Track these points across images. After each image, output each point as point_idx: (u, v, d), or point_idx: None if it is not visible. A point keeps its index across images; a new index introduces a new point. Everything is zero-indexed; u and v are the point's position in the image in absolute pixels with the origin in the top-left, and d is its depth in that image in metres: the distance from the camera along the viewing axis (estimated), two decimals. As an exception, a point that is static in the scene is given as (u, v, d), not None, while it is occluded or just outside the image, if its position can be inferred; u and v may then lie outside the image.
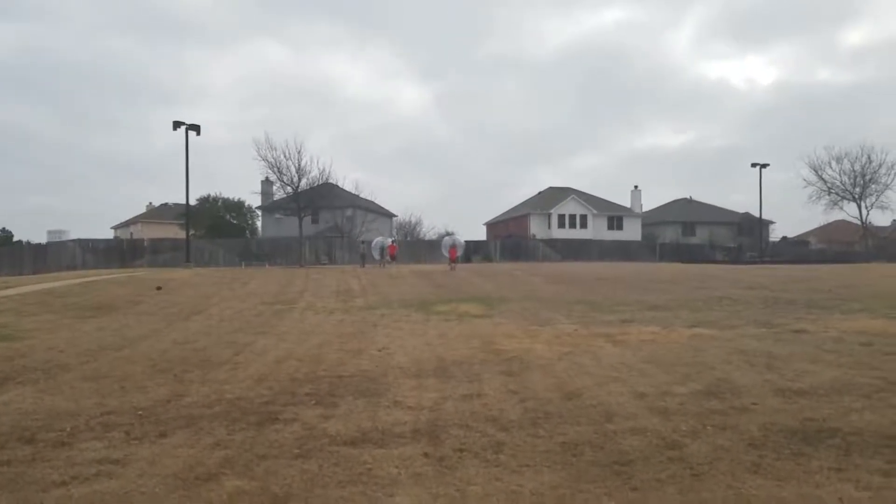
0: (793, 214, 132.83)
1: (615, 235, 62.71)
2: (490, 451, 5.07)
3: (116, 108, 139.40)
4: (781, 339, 10.77)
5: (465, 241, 48.90)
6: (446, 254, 46.09)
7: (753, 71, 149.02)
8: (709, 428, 5.63)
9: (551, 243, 57.13)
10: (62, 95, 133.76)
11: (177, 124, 38.61)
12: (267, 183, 54.54)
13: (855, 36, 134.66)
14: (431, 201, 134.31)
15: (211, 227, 52.31)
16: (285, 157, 48.02)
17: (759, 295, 19.12)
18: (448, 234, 63.41)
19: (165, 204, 74.01)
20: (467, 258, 47.08)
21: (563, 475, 4.54)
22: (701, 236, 67.45)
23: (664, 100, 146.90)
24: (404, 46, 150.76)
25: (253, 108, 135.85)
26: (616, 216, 65.28)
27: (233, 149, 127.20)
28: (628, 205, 67.47)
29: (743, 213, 69.37)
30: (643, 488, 4.28)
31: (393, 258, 43.30)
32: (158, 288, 21.77)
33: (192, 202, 47.10)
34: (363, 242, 46.87)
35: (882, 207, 63.65)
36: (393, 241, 48.01)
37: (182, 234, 45.06)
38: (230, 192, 76.81)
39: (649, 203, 75.58)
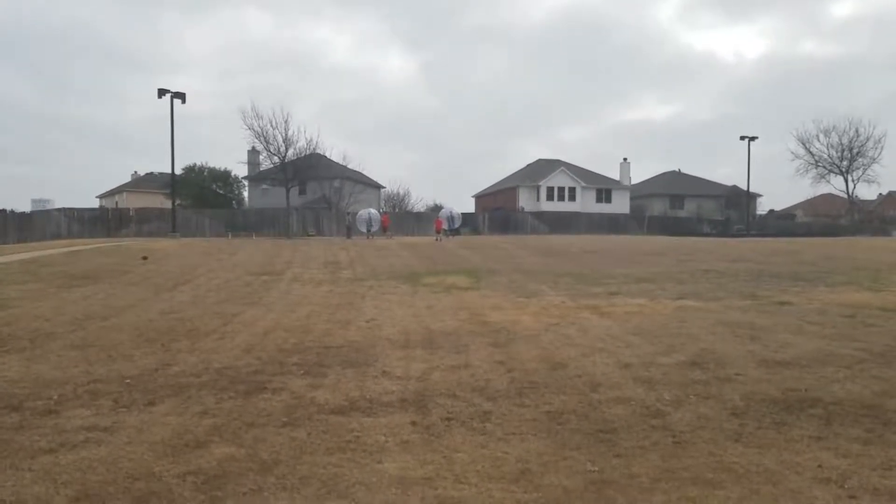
0: (779, 187, 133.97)
1: (604, 208, 62.85)
2: (477, 420, 5.13)
3: (96, 75, 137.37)
4: (765, 310, 10.90)
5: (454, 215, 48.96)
6: (445, 226, 46.35)
7: (740, 43, 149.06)
8: (692, 397, 5.72)
9: (540, 216, 57.20)
10: (39, 61, 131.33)
11: (161, 92, 38.08)
12: (253, 153, 54.07)
13: (841, 8, 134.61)
14: (419, 173, 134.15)
15: (197, 197, 51.86)
16: (272, 126, 47.68)
17: (745, 268, 19.30)
18: (437, 206, 63.43)
19: (151, 173, 73.15)
20: (456, 231, 47.08)
21: (548, 443, 4.61)
22: (689, 209, 67.75)
23: (651, 71, 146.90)
24: (388, 14, 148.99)
25: (236, 75, 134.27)
26: (605, 189, 65.34)
27: (218, 117, 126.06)
28: (617, 177, 67.52)
29: (731, 187, 69.64)
30: (626, 455, 4.35)
31: (385, 229, 43.39)
32: (144, 258, 21.64)
33: (178, 172, 46.63)
34: (349, 214, 46.75)
35: (868, 181, 64.17)
36: (385, 213, 48.02)
37: (168, 204, 44.68)
38: (215, 162, 76.23)
39: (638, 176, 75.68)
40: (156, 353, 7.80)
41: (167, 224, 41.28)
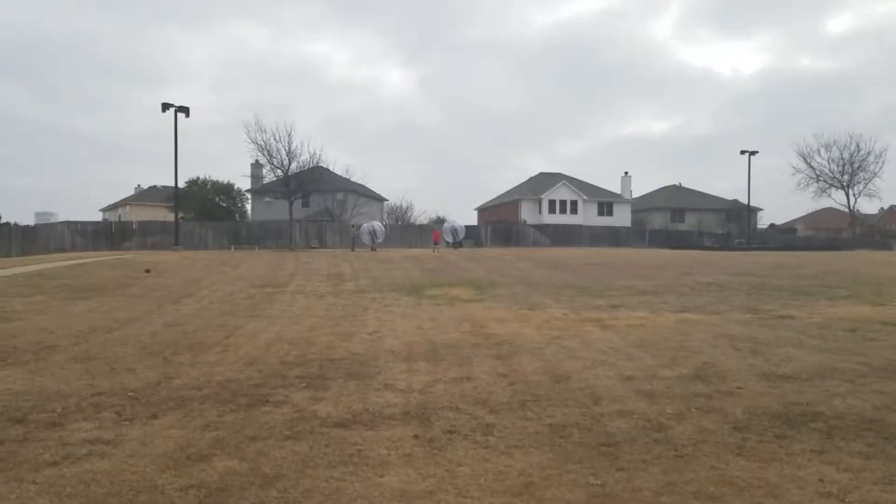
0: (780, 201, 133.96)
1: (605, 221, 62.89)
2: (479, 433, 5.13)
3: (100, 88, 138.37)
4: (767, 324, 10.88)
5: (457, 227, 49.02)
6: (448, 239, 46.37)
7: (737, 58, 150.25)
8: (694, 411, 5.71)
9: (542, 229, 57.26)
10: (43, 74, 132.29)
11: (165, 106, 38.34)
12: (257, 166, 54.34)
13: (837, 24, 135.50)
14: (422, 186, 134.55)
15: (200, 210, 51.94)
16: (275, 140, 47.99)
17: (746, 281, 19.28)
18: (440, 219, 63.57)
19: (154, 186, 73.39)
20: (458, 243, 47.11)
21: (550, 456, 4.61)
22: (690, 223, 67.77)
23: (649, 86, 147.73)
24: (387, 28, 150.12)
25: (239, 89, 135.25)
26: (606, 202, 65.42)
27: (221, 130, 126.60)
28: (618, 191, 67.61)
29: (731, 201, 69.73)
30: (629, 469, 4.35)
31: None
32: (147, 271, 21.69)
33: (182, 185, 46.81)
34: (353, 226, 46.85)
35: (870, 195, 64.39)
36: (385, 225, 48.21)
37: (171, 217, 44.80)
38: (219, 175, 75.75)
39: (639, 189, 75.84)
40: (158, 366, 7.81)
41: (170, 237, 41.38)
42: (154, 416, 5.63)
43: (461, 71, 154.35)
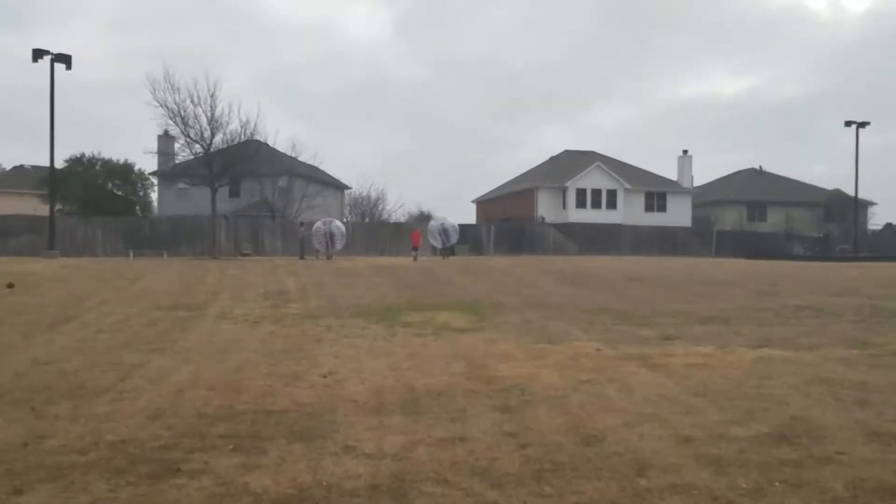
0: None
1: (655, 219, 63.10)
2: (477, 516, 5.13)
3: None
4: (880, 364, 10.95)
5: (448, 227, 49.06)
6: (436, 243, 46.33)
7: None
8: (777, 485, 5.73)
9: (566, 229, 57.43)
10: None
11: (38, 54, 38.18)
12: (167, 139, 53.98)
13: None
14: (399, 169, 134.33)
15: (86, 201, 51.78)
16: (192, 102, 47.52)
17: (852, 303, 19.39)
18: (424, 215, 63.54)
19: (20, 166, 73.22)
20: (450, 249, 47.10)
21: (576, 549, 4.62)
22: (773, 221, 68.05)
23: (720, 30, 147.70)
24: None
25: (139, 31, 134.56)
26: (657, 192, 65.63)
27: (114, 89, 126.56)
28: (674, 177, 67.87)
29: (832, 191, 70.10)
30: (686, 567, 4.37)
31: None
32: (10, 285, 21.58)
33: (60, 164, 46.66)
34: (303, 225, 46.78)
35: None
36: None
37: (44, 210, 44.60)
38: (113, 152, 75.60)
39: (703, 175, 76.08)
40: (25, 419, 7.77)
41: (43, 238, 41.16)
42: (18, 492, 5.59)
43: (456, 9, 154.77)
